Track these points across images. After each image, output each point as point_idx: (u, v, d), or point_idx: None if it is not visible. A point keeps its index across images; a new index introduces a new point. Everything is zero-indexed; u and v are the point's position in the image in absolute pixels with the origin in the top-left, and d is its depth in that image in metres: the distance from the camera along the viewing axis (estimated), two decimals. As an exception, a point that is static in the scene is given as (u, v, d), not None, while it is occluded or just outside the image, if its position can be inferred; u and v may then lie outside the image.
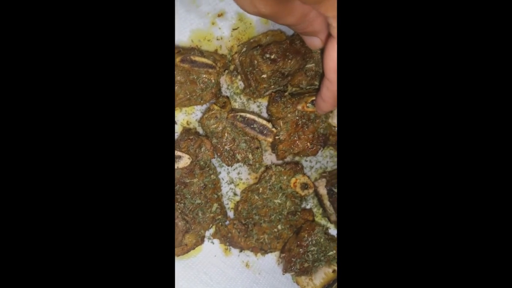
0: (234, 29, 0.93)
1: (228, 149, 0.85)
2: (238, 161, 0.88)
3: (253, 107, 0.97)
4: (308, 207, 0.99)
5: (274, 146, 0.93)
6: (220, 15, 0.92)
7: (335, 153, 1.00)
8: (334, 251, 0.89)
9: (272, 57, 0.80)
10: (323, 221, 1.00)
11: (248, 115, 0.83)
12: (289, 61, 0.82)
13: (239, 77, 0.94)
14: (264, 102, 0.96)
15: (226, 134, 0.84)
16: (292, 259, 0.87)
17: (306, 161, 1.00)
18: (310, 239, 0.87)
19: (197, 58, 0.81)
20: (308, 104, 0.85)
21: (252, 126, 0.84)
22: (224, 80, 0.95)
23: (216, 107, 0.84)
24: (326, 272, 0.89)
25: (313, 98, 0.85)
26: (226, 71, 0.92)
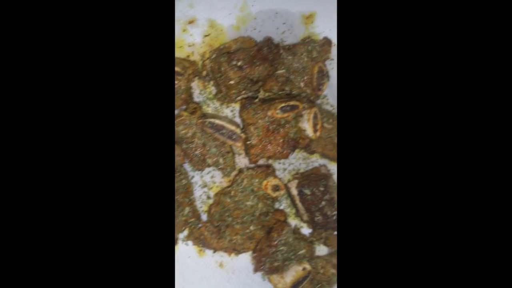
0: (205, 36, 0.95)
1: (198, 154, 0.88)
2: (209, 166, 0.90)
3: (227, 111, 0.99)
4: (281, 207, 1.03)
5: (247, 150, 0.96)
6: (191, 22, 0.94)
7: (308, 155, 1.03)
8: (304, 250, 0.93)
9: (239, 64, 0.82)
10: (296, 221, 1.03)
11: (216, 121, 0.85)
12: (257, 67, 0.85)
13: (211, 82, 0.96)
14: (237, 106, 0.99)
15: (196, 140, 0.86)
16: (262, 258, 0.91)
17: (280, 163, 1.02)
18: (279, 239, 0.90)
19: (166, 66, 0.83)
20: (277, 111, 0.88)
21: (221, 131, 0.86)
22: (197, 85, 0.97)
23: (185, 114, 0.86)
24: (297, 270, 0.93)
25: (283, 104, 0.88)
26: (197, 77, 0.94)
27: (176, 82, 0.85)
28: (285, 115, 0.89)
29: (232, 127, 0.86)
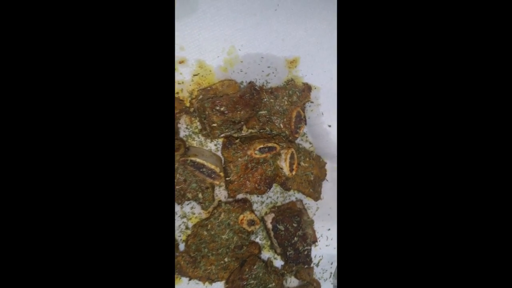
0: (194, 75, 1.01)
1: (178, 188, 0.93)
2: (188, 199, 0.96)
3: (211, 145, 1.05)
4: (257, 239, 1.08)
5: (227, 185, 1.01)
6: (181, 62, 1.00)
7: (284, 190, 1.09)
8: (274, 283, 0.98)
9: (221, 109, 0.89)
10: (270, 253, 1.09)
11: (197, 160, 0.91)
12: (239, 112, 0.91)
13: (197, 118, 1.02)
14: (221, 141, 1.05)
15: (177, 175, 0.92)
16: (234, 290, 0.96)
17: (258, 196, 1.08)
18: (250, 273, 0.95)
19: (154, 107, 0.89)
20: (256, 151, 0.94)
21: (201, 170, 0.92)
22: (184, 121, 1.03)
23: (169, 151, 0.92)
24: (266, 302, 0.98)
25: (261, 145, 0.94)
26: (184, 114, 1.00)
27: (162, 121, 0.91)
28: (263, 155, 0.95)
29: (212, 166, 0.92)
